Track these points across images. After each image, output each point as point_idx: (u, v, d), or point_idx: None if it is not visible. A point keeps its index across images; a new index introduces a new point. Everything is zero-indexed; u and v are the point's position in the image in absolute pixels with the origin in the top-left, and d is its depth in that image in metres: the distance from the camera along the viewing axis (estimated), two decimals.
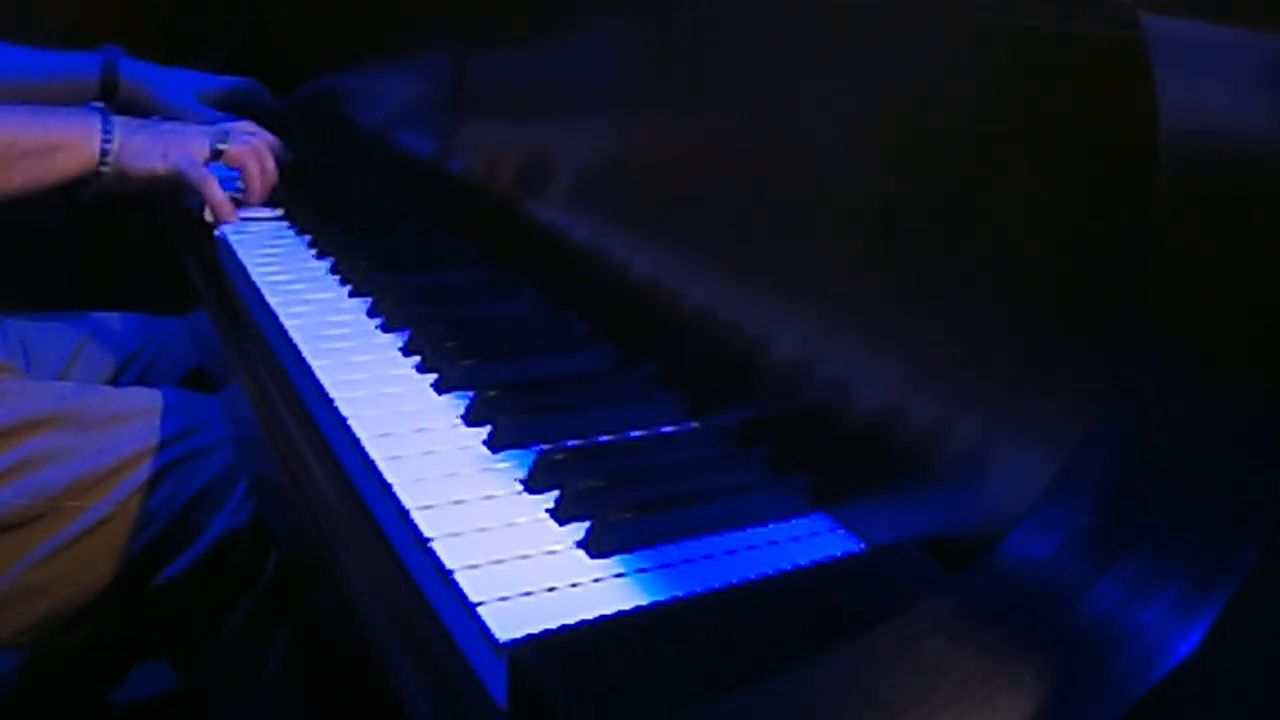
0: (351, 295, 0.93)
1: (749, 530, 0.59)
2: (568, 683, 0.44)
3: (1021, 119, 0.54)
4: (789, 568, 0.55)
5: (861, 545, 0.58)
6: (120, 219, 1.60)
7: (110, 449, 0.94)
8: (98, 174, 1.09)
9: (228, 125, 1.20)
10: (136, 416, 0.98)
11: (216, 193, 1.13)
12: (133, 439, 0.96)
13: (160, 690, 1.20)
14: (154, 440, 0.96)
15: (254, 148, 1.17)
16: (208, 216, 1.14)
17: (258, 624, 0.96)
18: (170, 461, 0.95)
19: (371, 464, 0.64)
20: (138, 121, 1.14)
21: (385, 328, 0.85)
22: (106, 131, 1.09)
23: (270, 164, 1.19)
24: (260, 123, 1.42)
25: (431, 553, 0.55)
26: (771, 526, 0.59)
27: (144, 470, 0.94)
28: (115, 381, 1.17)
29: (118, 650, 1.13)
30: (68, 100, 1.40)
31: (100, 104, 1.16)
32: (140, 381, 1.18)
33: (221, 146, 1.15)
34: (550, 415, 0.69)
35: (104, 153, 1.09)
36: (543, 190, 0.96)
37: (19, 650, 0.97)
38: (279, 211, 1.17)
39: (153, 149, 1.11)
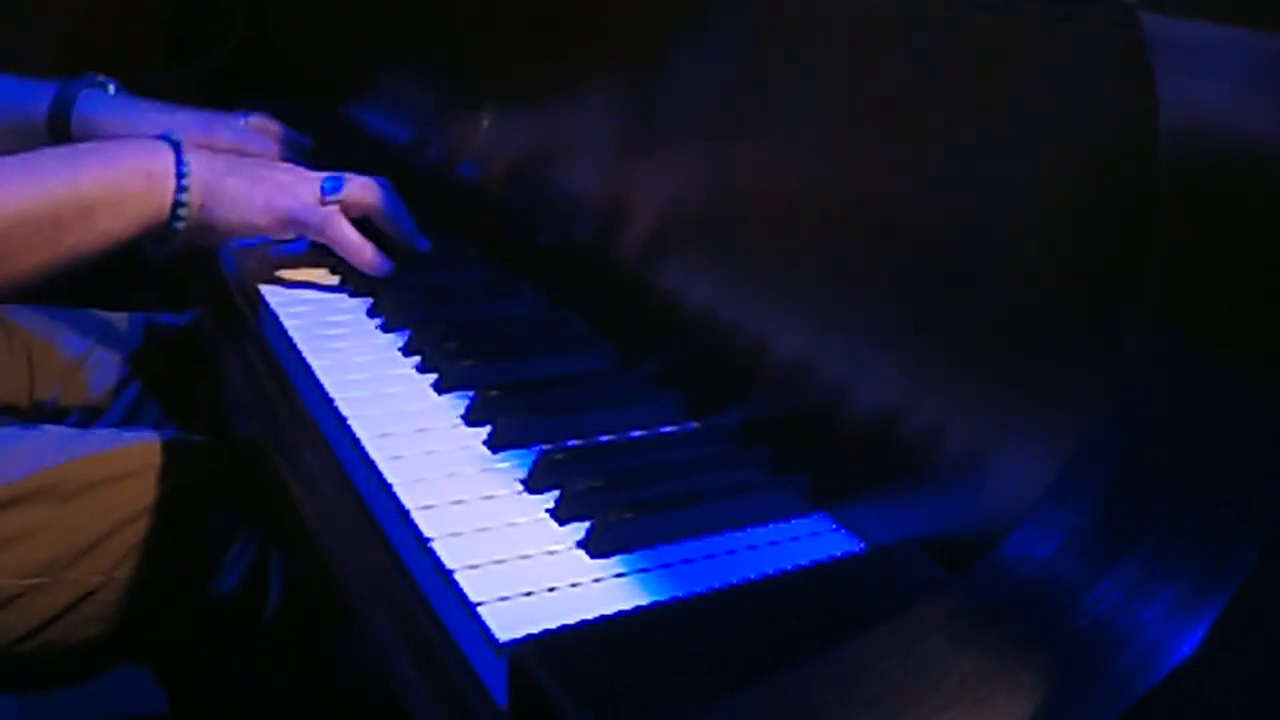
0: (352, 295, 0.93)
1: (749, 530, 0.59)
2: (568, 683, 0.44)
3: (1021, 118, 0.54)
4: (789, 568, 0.55)
5: (861, 545, 0.58)
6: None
7: (96, 518, 0.87)
8: (171, 230, 0.86)
9: (337, 174, 0.95)
10: (124, 479, 0.89)
11: (349, 235, 0.90)
12: (120, 505, 0.88)
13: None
14: (143, 503, 0.88)
15: (366, 184, 0.94)
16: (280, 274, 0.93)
17: (255, 652, 0.95)
18: (159, 526, 0.88)
19: (372, 464, 0.64)
20: (225, 159, 0.91)
21: (385, 328, 0.85)
22: (181, 175, 0.85)
23: (393, 198, 0.95)
24: None
25: (432, 553, 0.55)
26: (771, 526, 0.59)
27: (131, 537, 0.87)
28: (122, 391, 1.16)
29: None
30: (9, 142, 1.06)
31: (174, 132, 0.90)
32: (150, 387, 1.17)
33: (336, 194, 0.92)
34: (550, 415, 0.69)
35: (178, 204, 0.85)
36: (543, 190, 0.96)
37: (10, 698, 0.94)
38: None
39: (250, 196, 0.88)
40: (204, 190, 0.86)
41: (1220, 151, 0.44)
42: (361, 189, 0.93)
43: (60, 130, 1.11)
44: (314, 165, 1.03)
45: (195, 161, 0.86)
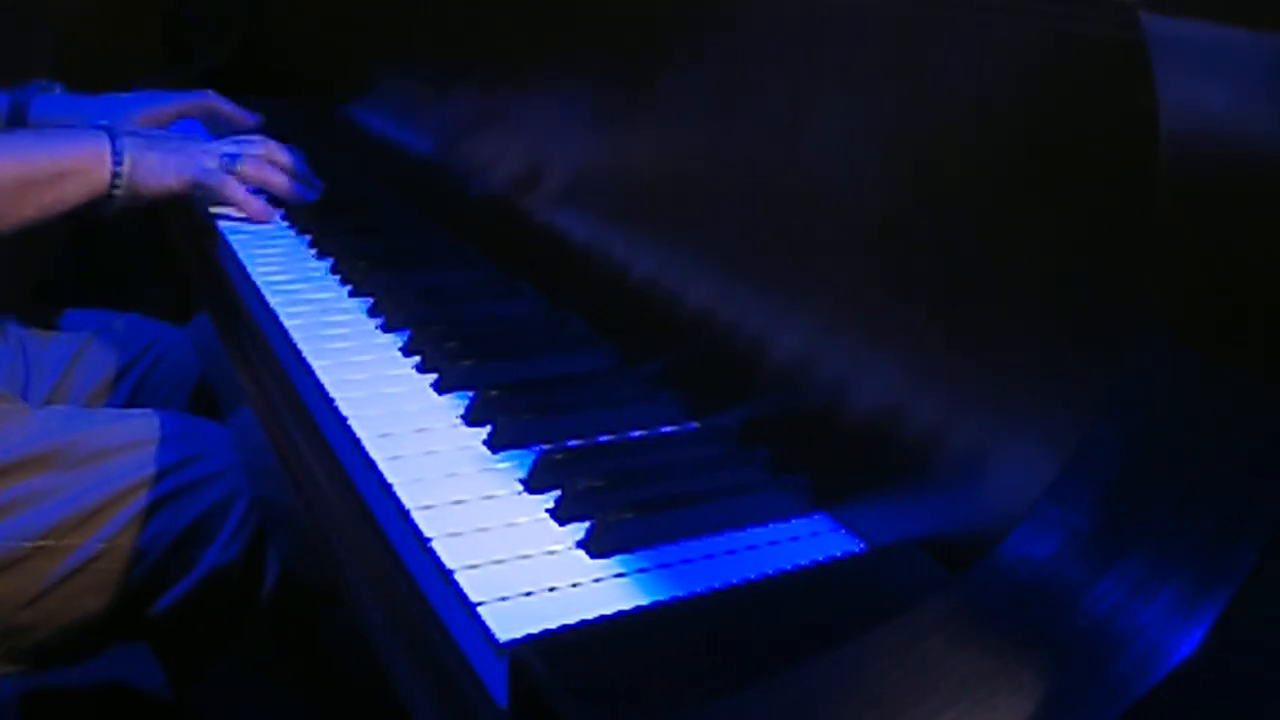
0: (351, 295, 0.93)
1: (749, 530, 0.59)
2: (568, 683, 0.44)
3: (1021, 119, 0.54)
4: (789, 568, 0.55)
5: (861, 545, 0.58)
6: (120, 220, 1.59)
7: (98, 486, 0.91)
8: (110, 197, 1.06)
9: (238, 139, 1.18)
10: (126, 449, 0.94)
11: (238, 193, 1.11)
12: (122, 474, 0.92)
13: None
14: (145, 473, 0.92)
15: (260, 155, 1.15)
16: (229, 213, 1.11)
17: (256, 639, 0.95)
18: (160, 496, 0.92)
19: (372, 464, 0.64)
20: (148, 136, 1.12)
21: (385, 328, 0.85)
22: (116, 153, 1.07)
23: (284, 158, 1.16)
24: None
25: (432, 553, 0.55)
26: (771, 526, 0.59)
27: (133, 506, 0.91)
28: (116, 385, 1.16)
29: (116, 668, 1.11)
30: None
31: (107, 123, 1.12)
32: (141, 385, 1.17)
33: (233, 165, 1.12)
34: (550, 415, 0.69)
35: (115, 175, 1.06)
36: (543, 190, 0.96)
37: (10, 679, 0.95)
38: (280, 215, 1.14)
39: (165, 165, 1.09)
40: (132, 164, 1.07)
41: (1220, 152, 0.44)
42: (254, 168, 1.14)
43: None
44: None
45: (126, 143, 1.07)
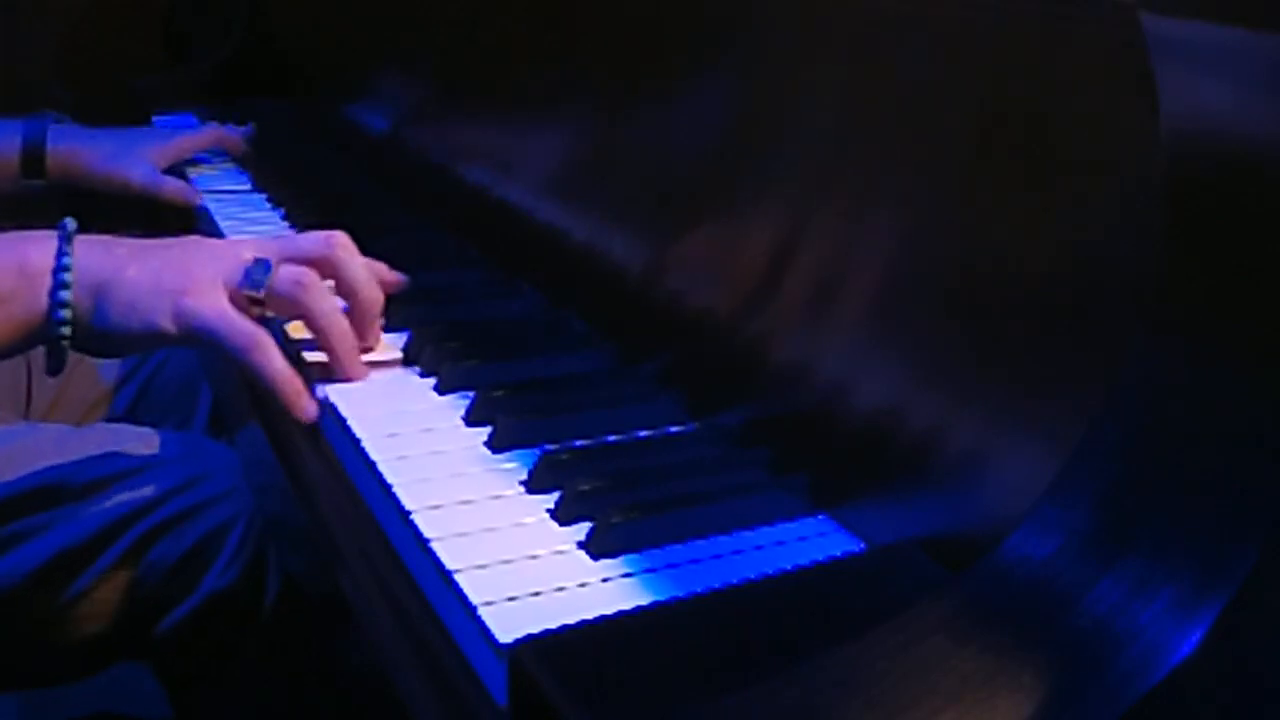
0: None
1: (749, 530, 0.59)
2: (568, 683, 0.44)
3: (1021, 119, 0.54)
4: (789, 568, 0.55)
5: (861, 545, 0.59)
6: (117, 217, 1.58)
7: (95, 517, 0.87)
8: (55, 338, 0.69)
9: (276, 241, 0.76)
10: (124, 476, 0.89)
11: (274, 367, 0.70)
12: (120, 504, 0.88)
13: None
14: (143, 501, 0.88)
15: (297, 279, 0.72)
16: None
17: (257, 654, 0.95)
18: (159, 524, 0.88)
19: (373, 465, 0.64)
20: (132, 248, 0.73)
21: (385, 328, 0.85)
22: (61, 270, 0.69)
23: (370, 291, 0.76)
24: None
25: (432, 553, 0.55)
26: (772, 527, 0.59)
27: (130, 535, 0.88)
28: (122, 386, 1.16)
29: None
30: None
31: (70, 222, 0.71)
32: (143, 394, 1.17)
33: (260, 288, 0.71)
34: (551, 415, 0.69)
35: (57, 304, 0.68)
36: (543, 190, 0.96)
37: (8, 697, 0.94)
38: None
39: (155, 293, 0.70)
40: (96, 289, 0.69)
41: (1220, 151, 0.44)
42: (291, 285, 0.72)
43: (34, 163, 1.21)
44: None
45: (85, 254, 0.70)
